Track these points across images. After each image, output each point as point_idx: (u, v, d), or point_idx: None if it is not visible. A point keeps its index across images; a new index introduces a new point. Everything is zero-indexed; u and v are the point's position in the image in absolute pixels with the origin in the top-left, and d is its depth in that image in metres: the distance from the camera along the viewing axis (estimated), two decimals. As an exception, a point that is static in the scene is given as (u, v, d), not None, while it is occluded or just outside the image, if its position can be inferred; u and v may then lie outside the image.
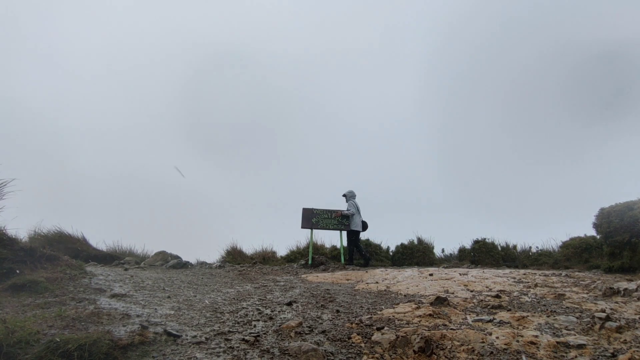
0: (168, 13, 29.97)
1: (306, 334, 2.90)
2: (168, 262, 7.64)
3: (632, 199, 6.36)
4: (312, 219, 9.19)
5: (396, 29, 30.80)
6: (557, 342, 2.66)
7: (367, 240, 10.32)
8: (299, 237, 10.75)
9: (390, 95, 30.82)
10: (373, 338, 2.79)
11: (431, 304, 3.71)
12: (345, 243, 9.16)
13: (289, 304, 3.88)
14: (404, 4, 30.66)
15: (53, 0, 27.14)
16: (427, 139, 28.89)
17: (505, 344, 2.65)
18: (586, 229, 8.75)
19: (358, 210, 9.18)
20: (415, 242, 10.75)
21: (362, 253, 8.79)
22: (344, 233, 9.36)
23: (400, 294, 4.58)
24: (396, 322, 3.17)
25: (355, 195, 9.53)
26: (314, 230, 9.27)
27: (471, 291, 4.51)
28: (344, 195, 9.57)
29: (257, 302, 3.99)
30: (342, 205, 9.57)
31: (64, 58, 25.31)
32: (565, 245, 9.03)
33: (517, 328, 3.00)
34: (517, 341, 2.71)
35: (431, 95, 28.66)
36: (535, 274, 6.02)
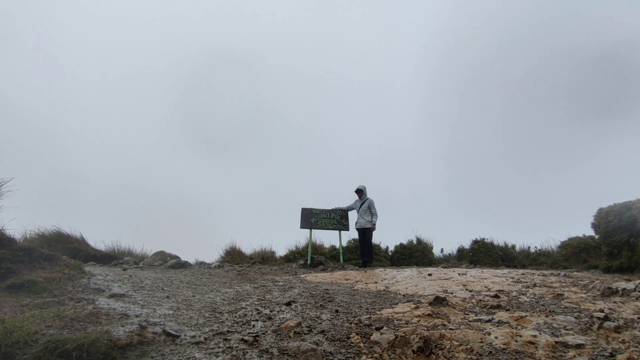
0: (168, 14, 29.95)
1: (305, 333, 2.90)
2: (167, 262, 7.63)
3: (630, 199, 6.38)
4: (311, 219, 9.19)
5: (401, 31, 30.82)
6: (556, 342, 2.67)
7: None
8: (298, 237, 10.77)
9: (391, 95, 30.85)
10: (372, 338, 2.79)
11: (430, 303, 3.71)
12: (344, 243, 9.13)
13: (288, 304, 3.88)
14: (408, 14, 30.71)
15: (52, 1, 27.08)
16: (427, 139, 28.92)
17: (504, 344, 2.65)
18: (585, 229, 8.78)
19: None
20: (415, 242, 10.76)
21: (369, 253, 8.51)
22: (344, 233, 9.37)
23: (399, 294, 4.58)
24: (395, 322, 3.17)
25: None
26: (313, 230, 9.27)
27: (470, 291, 4.51)
28: (360, 191, 8.80)
29: (256, 302, 3.99)
30: (346, 202, 9.37)
31: (63, 57, 25.27)
32: (564, 245, 9.05)
33: (516, 328, 3.00)
34: (516, 341, 2.71)
35: (434, 97, 28.72)
36: (534, 273, 6.03)
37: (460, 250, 10.70)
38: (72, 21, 26.47)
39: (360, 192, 8.81)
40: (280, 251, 10.31)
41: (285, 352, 2.50)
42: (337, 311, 3.61)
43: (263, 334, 2.88)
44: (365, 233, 8.48)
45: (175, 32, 29.51)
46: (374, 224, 8.49)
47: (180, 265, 7.37)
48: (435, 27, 29.01)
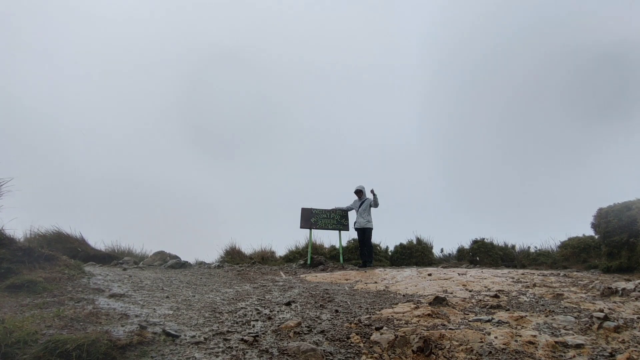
0: (168, 13, 29.93)
1: (305, 334, 2.90)
2: (167, 262, 7.63)
3: (630, 199, 6.38)
4: (311, 219, 9.19)
5: (402, 33, 30.80)
6: (556, 342, 2.67)
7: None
8: (298, 237, 10.77)
9: (390, 95, 30.85)
10: (372, 338, 2.79)
11: (430, 303, 3.71)
12: (344, 243, 9.11)
13: (288, 304, 3.88)
14: (409, 16, 30.69)
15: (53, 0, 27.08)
16: (427, 139, 28.93)
17: (503, 344, 2.66)
18: (585, 229, 8.77)
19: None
20: (414, 242, 10.76)
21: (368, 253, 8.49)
22: (344, 233, 9.36)
23: (399, 294, 4.58)
24: (395, 322, 3.17)
25: None
26: (313, 230, 9.27)
27: (470, 291, 4.51)
28: (359, 191, 8.76)
29: (256, 302, 3.99)
30: (346, 202, 9.29)
31: (63, 58, 25.26)
32: (563, 245, 9.06)
33: (516, 328, 3.00)
34: (516, 341, 2.71)
35: (433, 97, 28.72)
36: (533, 273, 6.03)
37: (460, 250, 10.70)
38: (71, 19, 26.47)
39: (359, 192, 8.78)
40: (280, 251, 10.32)
41: (285, 352, 2.50)
42: (337, 311, 3.61)
43: (263, 334, 2.88)
44: (365, 233, 8.46)
45: (176, 29, 29.50)
46: (375, 194, 8.39)
47: (180, 265, 7.37)
48: (434, 25, 29.06)
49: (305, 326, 3.08)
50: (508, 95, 27.11)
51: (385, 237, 11.12)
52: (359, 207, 8.67)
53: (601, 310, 3.34)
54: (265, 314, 3.48)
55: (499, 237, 10.94)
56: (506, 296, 4.16)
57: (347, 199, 9.26)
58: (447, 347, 2.61)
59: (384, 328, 2.97)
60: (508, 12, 27.55)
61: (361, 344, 2.72)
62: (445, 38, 29.32)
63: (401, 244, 10.73)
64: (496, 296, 4.08)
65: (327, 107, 30.49)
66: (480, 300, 3.97)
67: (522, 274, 5.86)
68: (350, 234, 10.62)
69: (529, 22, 26.56)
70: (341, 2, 32.15)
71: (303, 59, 30.95)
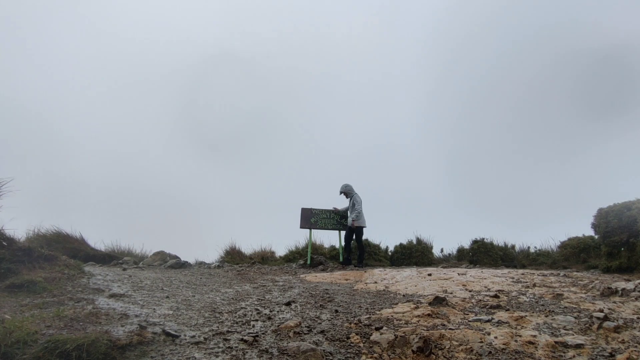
0: (168, 13, 29.95)
1: (305, 333, 2.90)
2: (167, 262, 7.63)
3: (630, 199, 6.38)
4: (310, 218, 9.18)
5: (405, 27, 30.76)
6: (555, 342, 2.67)
7: (367, 240, 10.28)
8: (298, 237, 10.75)
9: (392, 94, 30.82)
10: (372, 338, 2.79)
11: (430, 303, 3.71)
12: (343, 243, 9.09)
13: (288, 304, 3.88)
14: (412, 18, 30.63)
15: (54, 6, 27.10)
16: (427, 138, 28.93)
17: (503, 344, 2.66)
18: (585, 229, 8.75)
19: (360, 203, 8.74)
20: (414, 242, 10.74)
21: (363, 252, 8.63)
22: (343, 233, 9.34)
23: (399, 294, 4.58)
24: (395, 322, 3.17)
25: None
26: (313, 230, 9.26)
27: (470, 291, 4.51)
28: (343, 193, 8.86)
29: (256, 302, 3.99)
30: (341, 203, 9.35)
31: (63, 58, 25.26)
32: (563, 245, 9.05)
33: (516, 328, 3.00)
34: (516, 341, 2.71)
35: (435, 98, 28.70)
36: (533, 273, 6.03)
37: (460, 250, 10.69)
38: (73, 25, 26.47)
39: (344, 194, 8.92)
40: (280, 251, 10.30)
41: (285, 352, 2.50)
42: (336, 311, 3.61)
43: (263, 334, 2.88)
44: (352, 230, 8.63)
45: (177, 33, 29.51)
46: (353, 221, 8.43)
47: (180, 265, 7.37)
48: (439, 26, 29.03)
49: (305, 326, 3.08)
50: (510, 95, 27.14)
51: (385, 237, 11.08)
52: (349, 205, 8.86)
53: (601, 310, 3.34)
54: (265, 314, 3.48)
55: (499, 237, 10.92)
56: (506, 296, 4.16)
57: (347, 199, 9.27)
58: (447, 347, 2.61)
59: (384, 328, 2.97)
60: (510, 16, 27.61)
61: (361, 344, 2.72)
62: (451, 37, 29.32)
63: (401, 244, 10.71)
64: (496, 296, 4.08)
65: (328, 107, 30.49)
66: (480, 300, 3.98)
67: (522, 274, 5.86)
68: (350, 234, 10.60)
69: (532, 26, 26.62)
70: (343, 2, 32.16)
71: (303, 60, 30.96)
